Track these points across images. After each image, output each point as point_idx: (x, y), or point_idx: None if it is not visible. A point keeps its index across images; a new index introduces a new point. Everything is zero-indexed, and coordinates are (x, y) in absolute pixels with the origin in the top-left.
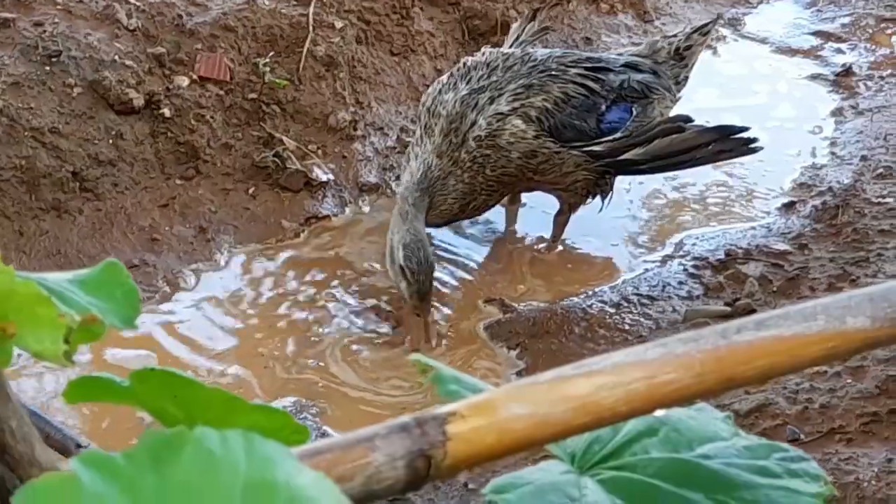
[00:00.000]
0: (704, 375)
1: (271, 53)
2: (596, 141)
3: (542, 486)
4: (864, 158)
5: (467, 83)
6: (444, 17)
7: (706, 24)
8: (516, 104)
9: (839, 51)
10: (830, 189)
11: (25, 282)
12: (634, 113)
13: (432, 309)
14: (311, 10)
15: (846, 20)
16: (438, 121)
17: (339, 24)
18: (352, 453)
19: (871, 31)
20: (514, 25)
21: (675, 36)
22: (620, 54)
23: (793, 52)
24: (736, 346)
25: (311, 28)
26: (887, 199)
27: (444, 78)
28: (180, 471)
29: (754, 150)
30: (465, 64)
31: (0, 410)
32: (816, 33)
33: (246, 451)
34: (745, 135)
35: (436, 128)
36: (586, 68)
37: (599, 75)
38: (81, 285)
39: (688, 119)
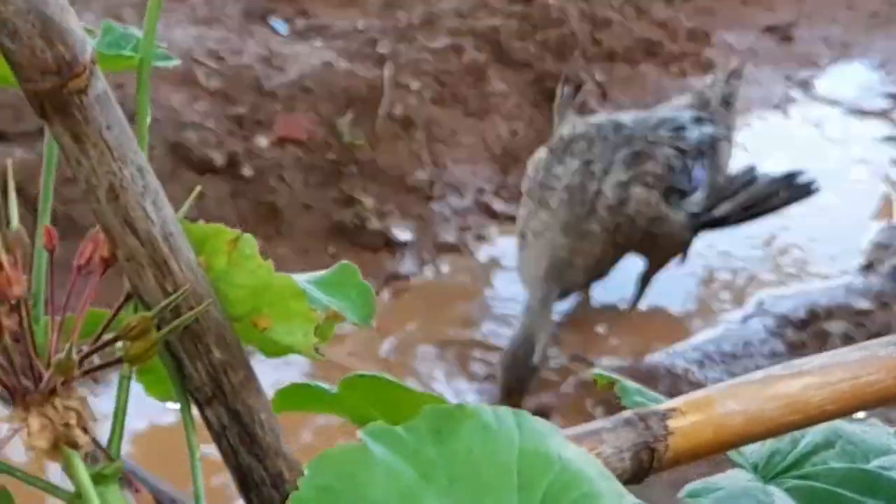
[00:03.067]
0: None
1: (349, 114)
2: (692, 202)
3: (733, 491)
4: None
5: (572, 156)
6: (517, 78)
7: (737, 69)
8: (632, 172)
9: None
10: None
11: (282, 276)
12: (707, 166)
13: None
14: (387, 71)
15: None
16: (554, 193)
17: (415, 86)
18: (582, 445)
19: None
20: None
21: (713, 84)
22: (676, 109)
23: (864, 113)
24: None
25: (387, 89)
26: None
27: (544, 154)
28: (460, 442)
29: (816, 191)
30: (561, 137)
31: (253, 402)
32: (888, 95)
33: (518, 425)
34: (806, 178)
35: (551, 200)
36: (670, 129)
37: (682, 133)
38: (319, 285)
39: (753, 168)
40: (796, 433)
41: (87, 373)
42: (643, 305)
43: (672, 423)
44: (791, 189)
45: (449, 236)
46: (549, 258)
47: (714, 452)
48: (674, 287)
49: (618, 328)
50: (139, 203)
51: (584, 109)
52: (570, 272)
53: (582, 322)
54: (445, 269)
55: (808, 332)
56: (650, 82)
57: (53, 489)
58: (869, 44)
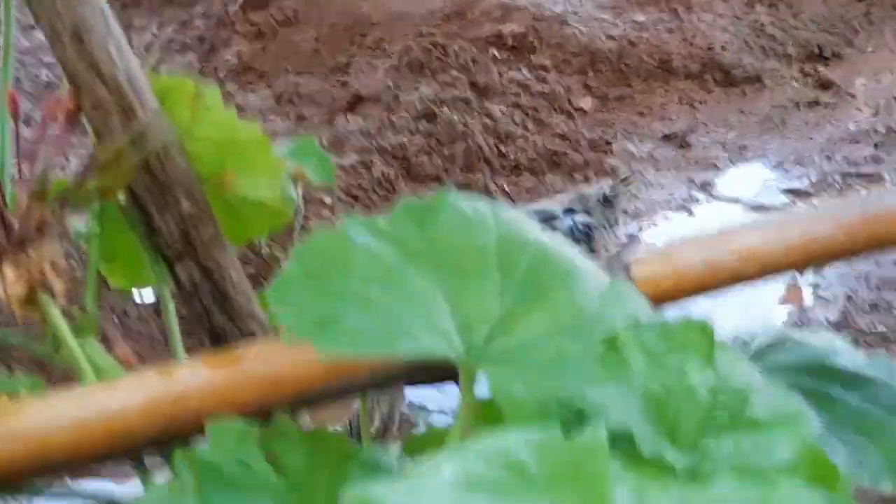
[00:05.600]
0: (853, 234)
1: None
2: None
3: None
4: (849, 298)
5: None
6: (426, 190)
7: (626, 177)
8: None
9: (811, 206)
10: (824, 325)
11: (247, 125)
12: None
13: None
14: (300, 189)
15: (814, 178)
16: None
17: (328, 200)
18: None
19: (838, 186)
20: None
21: (600, 187)
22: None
23: (765, 209)
24: (879, 211)
25: (300, 205)
26: (879, 328)
27: None
28: (441, 228)
29: None
30: None
31: (222, 260)
32: (786, 191)
33: (493, 214)
34: None
35: None
36: (542, 219)
37: (553, 223)
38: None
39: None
40: (745, 337)
41: (59, 214)
42: None
43: (634, 271)
44: None
45: None
46: None
47: (675, 299)
48: None
49: None
50: (103, 46)
51: None
52: None
53: None
54: None
55: None
56: (556, 191)
57: (31, 343)
58: (764, 146)
